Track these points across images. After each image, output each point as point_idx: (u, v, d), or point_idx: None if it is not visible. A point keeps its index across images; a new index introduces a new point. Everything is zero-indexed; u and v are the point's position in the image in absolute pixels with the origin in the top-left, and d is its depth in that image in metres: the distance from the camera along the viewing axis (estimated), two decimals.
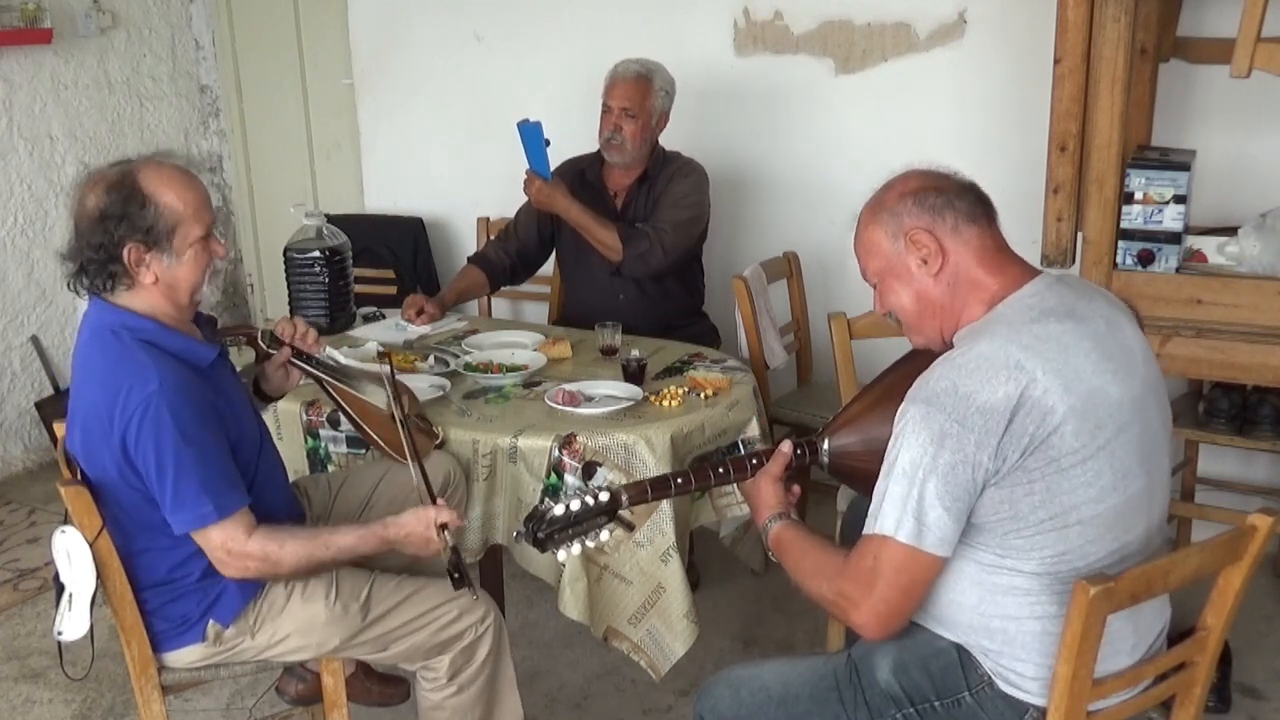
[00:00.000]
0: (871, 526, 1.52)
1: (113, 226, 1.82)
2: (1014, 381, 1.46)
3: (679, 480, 1.78)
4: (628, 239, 3.08)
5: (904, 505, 1.49)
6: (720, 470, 1.82)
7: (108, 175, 1.86)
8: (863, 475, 1.63)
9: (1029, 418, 1.45)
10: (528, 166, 3.13)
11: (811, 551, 1.67)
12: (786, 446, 1.80)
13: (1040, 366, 1.47)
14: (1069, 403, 1.46)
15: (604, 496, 1.70)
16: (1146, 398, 1.57)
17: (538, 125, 3.11)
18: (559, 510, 1.67)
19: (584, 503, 1.68)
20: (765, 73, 3.64)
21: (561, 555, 1.70)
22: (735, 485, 1.90)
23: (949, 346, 1.62)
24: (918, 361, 1.63)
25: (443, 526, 1.93)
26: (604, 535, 1.72)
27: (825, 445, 1.81)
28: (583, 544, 1.70)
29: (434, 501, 1.98)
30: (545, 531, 1.66)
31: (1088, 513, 1.50)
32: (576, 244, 3.21)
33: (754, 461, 1.82)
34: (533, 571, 2.48)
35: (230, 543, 1.85)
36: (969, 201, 1.62)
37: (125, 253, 1.83)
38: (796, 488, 1.82)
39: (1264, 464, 3.22)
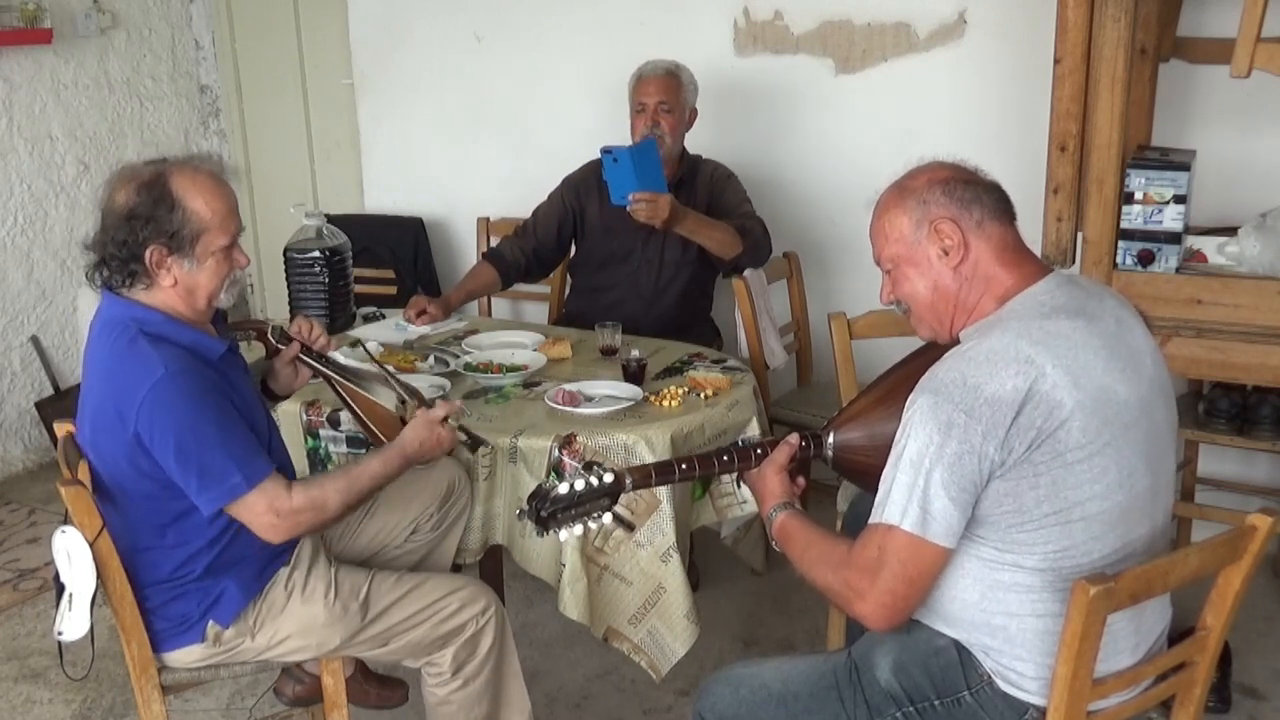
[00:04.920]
0: (878, 515, 1.52)
1: (139, 226, 1.83)
2: (1023, 374, 1.46)
3: (683, 466, 1.78)
4: (743, 233, 3.08)
5: (910, 494, 1.48)
6: (725, 458, 1.82)
7: (141, 174, 1.87)
8: (866, 471, 1.63)
9: (1037, 411, 1.45)
10: (636, 191, 2.89)
11: (816, 541, 1.66)
12: (794, 438, 1.80)
13: (1050, 361, 1.47)
14: (1077, 398, 1.47)
15: (608, 477, 1.70)
16: (1154, 399, 1.57)
17: (651, 143, 2.99)
18: (563, 489, 1.67)
19: (588, 483, 1.68)
20: (765, 73, 3.64)
21: (564, 535, 1.69)
22: (738, 483, 1.90)
23: (954, 340, 1.62)
24: (924, 358, 1.63)
25: (444, 419, 2.06)
26: (606, 519, 1.72)
27: (830, 439, 1.81)
28: (585, 525, 1.70)
29: (421, 404, 2.11)
30: (549, 510, 1.66)
31: (1092, 509, 1.50)
32: (607, 248, 3.21)
33: (759, 451, 1.82)
34: (533, 571, 2.48)
35: (277, 502, 1.86)
36: (995, 198, 1.62)
37: (148, 254, 1.84)
38: (801, 479, 1.82)
39: (1264, 464, 3.22)
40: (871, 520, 1.54)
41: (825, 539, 1.66)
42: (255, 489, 1.84)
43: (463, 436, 2.15)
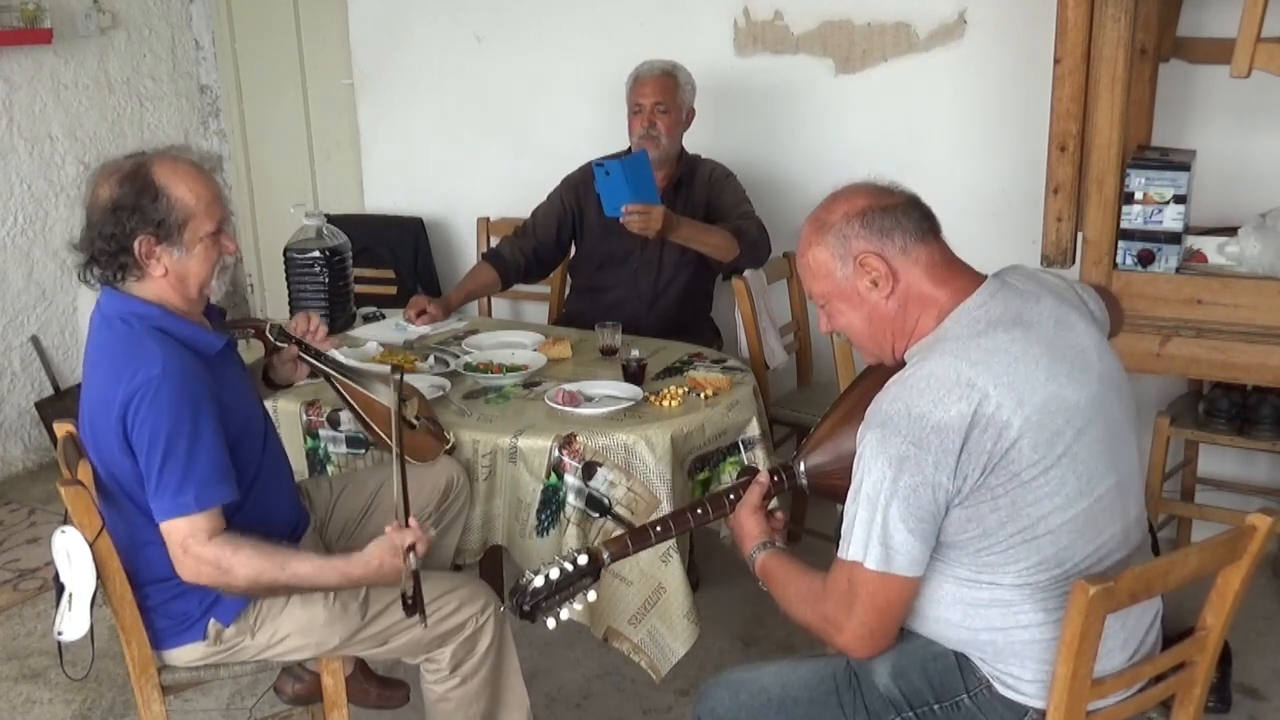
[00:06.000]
0: (844, 551, 1.52)
1: (125, 218, 1.83)
2: (966, 400, 1.45)
3: (658, 529, 1.78)
4: (739, 235, 3.08)
5: (869, 530, 1.48)
6: (700, 511, 1.81)
7: (122, 167, 1.87)
8: (843, 491, 1.63)
9: (985, 435, 1.45)
10: (629, 203, 2.90)
11: (795, 578, 1.66)
12: (764, 476, 1.80)
13: (991, 382, 1.46)
14: (1024, 415, 1.46)
15: (583, 560, 1.68)
16: (1105, 394, 1.56)
17: (643, 155, 3.01)
18: (539, 582, 1.65)
19: (564, 569, 1.67)
20: (765, 73, 3.64)
21: (550, 623, 1.68)
22: (710, 521, 1.87)
23: (900, 361, 1.61)
24: (881, 374, 1.62)
25: (410, 549, 1.81)
26: (591, 595, 1.71)
27: (801, 467, 1.81)
28: (570, 608, 1.69)
29: (407, 519, 1.86)
30: (530, 604, 1.64)
31: (1056, 521, 1.49)
32: (606, 249, 3.21)
33: (731, 496, 1.82)
34: None
35: (190, 540, 1.82)
36: (916, 219, 1.60)
37: (136, 244, 1.84)
38: (780, 514, 1.82)
39: (1264, 464, 3.22)
40: (839, 555, 1.54)
41: (803, 575, 1.65)
42: (189, 517, 1.81)
43: (407, 590, 1.79)
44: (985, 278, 1.61)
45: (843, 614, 1.53)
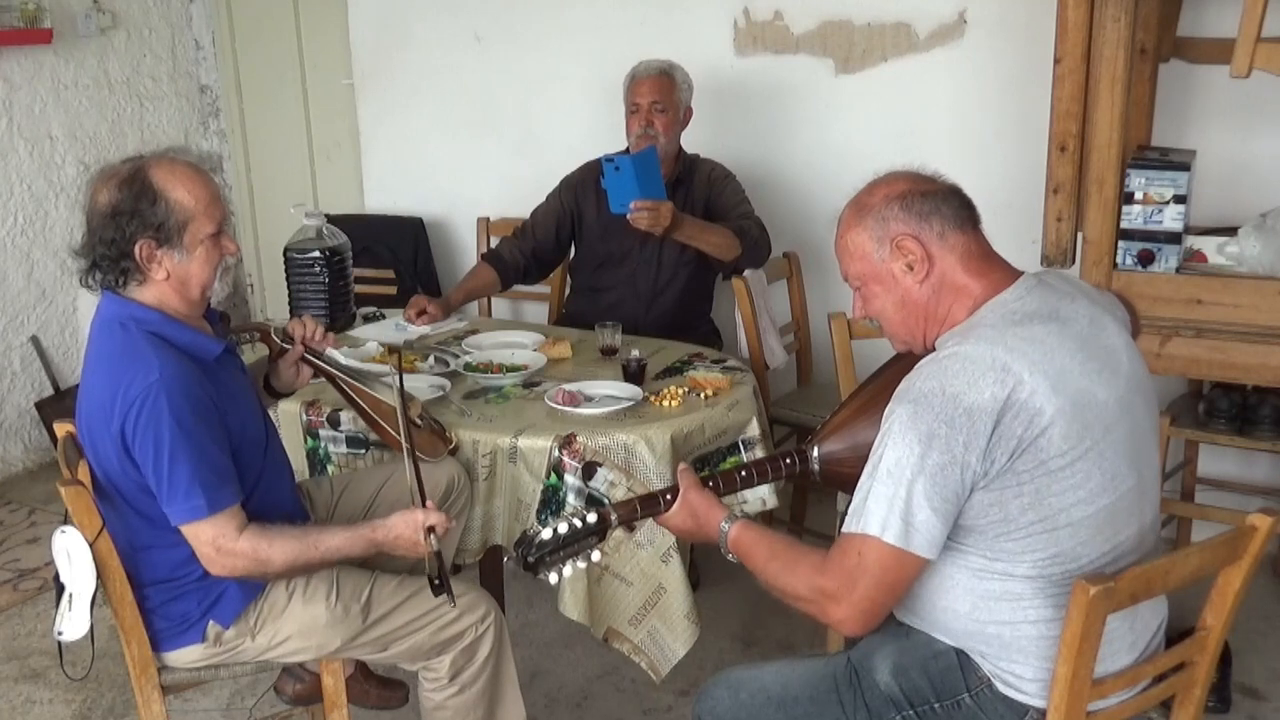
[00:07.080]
0: (855, 525, 1.51)
1: (124, 222, 1.83)
2: (1001, 383, 1.45)
3: (668, 496, 1.78)
4: (740, 235, 3.09)
5: (890, 506, 1.47)
6: (711, 484, 1.80)
7: (120, 171, 1.87)
8: (854, 481, 1.63)
9: (1017, 420, 1.45)
10: (637, 199, 2.89)
11: (780, 549, 1.64)
12: (682, 465, 1.80)
13: (1027, 368, 1.46)
14: (1057, 404, 1.46)
15: (592, 518, 1.69)
16: (1133, 397, 1.57)
17: (652, 151, 3.01)
18: (547, 534, 1.66)
19: (572, 525, 1.67)
20: (765, 73, 3.64)
21: (553, 578, 1.69)
22: (720, 496, 1.87)
23: (930, 350, 1.61)
24: (902, 366, 1.62)
25: (430, 529, 1.91)
26: (595, 555, 1.71)
27: (815, 453, 1.81)
28: (574, 565, 1.69)
29: (424, 503, 1.95)
30: (535, 555, 1.65)
31: (1078, 514, 1.49)
32: (605, 249, 3.21)
33: (743, 473, 1.83)
34: None
35: (220, 539, 1.85)
36: (955, 207, 1.60)
37: (137, 249, 1.84)
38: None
39: (1264, 464, 3.22)
40: (848, 528, 1.52)
41: (791, 546, 1.64)
42: (209, 518, 1.84)
43: (433, 572, 1.88)
44: (1021, 274, 1.61)
45: (845, 587, 1.51)
